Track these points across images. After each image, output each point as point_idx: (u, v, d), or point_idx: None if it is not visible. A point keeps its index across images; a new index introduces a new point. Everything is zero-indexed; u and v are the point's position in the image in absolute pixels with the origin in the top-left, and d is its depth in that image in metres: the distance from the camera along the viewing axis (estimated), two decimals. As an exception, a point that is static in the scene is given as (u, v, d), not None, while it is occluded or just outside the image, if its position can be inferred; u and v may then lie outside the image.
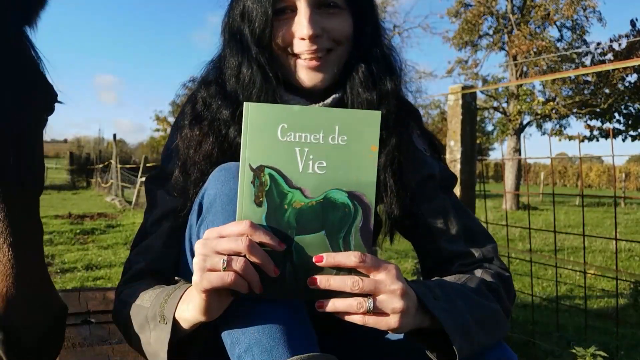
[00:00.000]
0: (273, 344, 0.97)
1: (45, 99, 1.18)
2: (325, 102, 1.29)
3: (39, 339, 0.99)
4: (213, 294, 0.94)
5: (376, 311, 0.94)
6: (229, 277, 0.90)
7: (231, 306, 1.01)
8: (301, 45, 1.24)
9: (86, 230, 8.85)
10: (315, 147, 0.96)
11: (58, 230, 8.66)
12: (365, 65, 1.28)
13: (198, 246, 0.94)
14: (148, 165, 15.83)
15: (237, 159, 1.01)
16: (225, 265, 0.90)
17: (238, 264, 0.91)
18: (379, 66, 1.29)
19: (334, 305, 0.95)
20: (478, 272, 1.22)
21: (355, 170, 0.96)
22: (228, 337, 1.02)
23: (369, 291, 0.94)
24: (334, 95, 1.29)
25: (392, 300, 0.93)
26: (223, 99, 1.27)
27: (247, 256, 0.92)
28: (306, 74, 1.26)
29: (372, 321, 0.94)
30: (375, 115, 0.97)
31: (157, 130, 41.27)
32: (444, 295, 1.06)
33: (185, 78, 1.43)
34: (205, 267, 0.92)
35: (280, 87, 1.29)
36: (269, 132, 0.96)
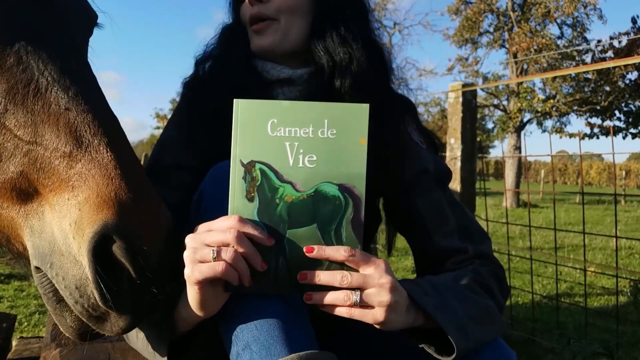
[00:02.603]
0: (271, 341, 0.97)
1: (87, 20, 1.10)
2: (295, 71, 1.33)
3: (161, 243, 0.89)
4: (207, 287, 0.95)
5: (362, 304, 0.95)
6: (219, 266, 0.91)
7: (229, 304, 1.01)
8: (247, 10, 1.33)
9: (86, 228, 8.85)
10: (305, 141, 0.97)
11: (58, 227, 8.66)
12: (325, 38, 1.30)
13: (188, 240, 0.95)
14: (148, 163, 15.79)
15: (225, 150, 1.02)
16: (215, 255, 0.92)
17: (227, 253, 0.92)
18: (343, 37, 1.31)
19: (321, 297, 0.96)
20: (470, 269, 1.21)
21: (345, 162, 0.98)
22: (226, 334, 1.02)
23: (358, 285, 0.95)
24: (302, 70, 1.33)
25: (379, 293, 0.94)
26: (211, 86, 1.32)
27: (235, 248, 0.93)
28: (252, 38, 1.34)
29: (357, 313, 0.95)
30: (363, 108, 0.98)
31: (158, 128, 41.26)
32: (435, 291, 1.06)
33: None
34: (196, 259, 0.93)
35: (255, 59, 1.36)
36: (258, 128, 0.97)
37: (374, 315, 0.95)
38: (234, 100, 0.98)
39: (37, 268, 0.93)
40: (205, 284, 0.94)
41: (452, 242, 1.27)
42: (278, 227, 0.98)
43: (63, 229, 0.87)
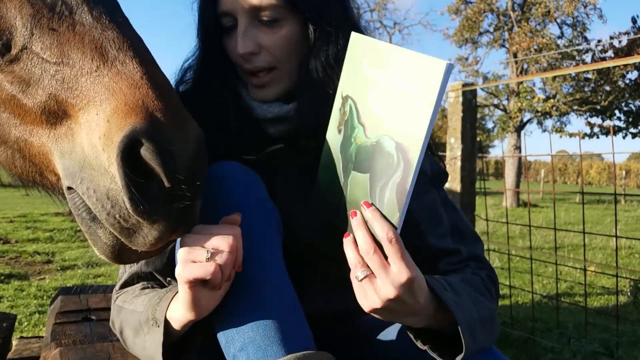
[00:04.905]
0: (268, 342, 0.97)
1: None
2: (282, 108, 1.25)
3: (191, 149, 0.87)
4: (197, 287, 0.95)
5: (364, 286, 0.95)
6: (211, 266, 0.91)
7: (225, 305, 1.01)
8: (240, 62, 1.21)
9: (87, 228, 8.85)
10: (384, 87, 0.93)
11: (58, 227, 8.66)
12: (317, 70, 1.21)
13: (184, 239, 0.96)
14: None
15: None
16: (208, 256, 0.92)
17: (222, 257, 0.92)
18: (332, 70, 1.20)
19: (345, 248, 0.98)
20: (471, 272, 1.21)
21: (408, 121, 0.89)
22: (223, 336, 1.02)
23: (374, 269, 0.93)
24: (288, 106, 1.25)
25: (386, 289, 0.93)
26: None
27: (229, 254, 0.93)
28: (252, 90, 1.24)
29: (357, 287, 0.97)
30: (440, 66, 0.84)
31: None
32: (452, 289, 1.05)
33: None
34: (189, 258, 0.93)
35: (244, 90, 1.27)
36: (357, 64, 0.98)
37: (370, 302, 0.95)
38: (352, 33, 1.01)
39: (69, 189, 0.93)
40: (196, 284, 0.95)
41: (446, 242, 1.26)
42: (347, 165, 0.99)
43: (93, 144, 0.87)
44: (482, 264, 1.26)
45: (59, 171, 0.94)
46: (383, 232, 0.92)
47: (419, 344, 1.08)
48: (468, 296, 1.08)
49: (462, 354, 1.00)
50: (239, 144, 1.22)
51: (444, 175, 1.36)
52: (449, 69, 0.83)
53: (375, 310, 0.96)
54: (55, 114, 0.91)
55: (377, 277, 0.93)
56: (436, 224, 1.27)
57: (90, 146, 0.87)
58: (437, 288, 1.01)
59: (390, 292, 0.92)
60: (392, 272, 0.92)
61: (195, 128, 0.91)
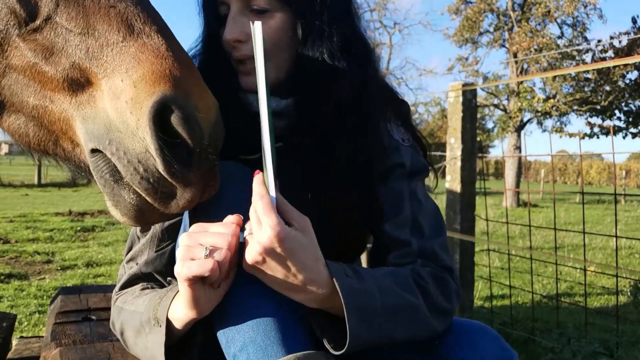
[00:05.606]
0: (268, 342, 0.97)
1: None
2: (280, 103, 1.24)
3: (214, 114, 0.93)
4: (197, 285, 0.95)
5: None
6: (209, 263, 0.92)
7: (225, 305, 1.01)
8: (229, 49, 1.23)
9: (87, 228, 8.85)
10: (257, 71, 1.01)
11: (59, 227, 8.66)
12: (310, 70, 1.22)
13: (182, 238, 0.96)
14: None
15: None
16: (207, 253, 0.93)
17: (220, 254, 0.92)
18: (328, 68, 1.22)
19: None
20: (410, 268, 1.17)
21: (258, 85, 1.00)
22: (223, 336, 1.02)
23: (252, 226, 0.95)
24: (286, 101, 1.24)
25: (251, 249, 0.94)
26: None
27: (227, 251, 0.93)
28: (240, 78, 1.25)
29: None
30: (253, 28, 0.99)
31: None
32: (356, 276, 1.04)
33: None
34: (188, 256, 0.94)
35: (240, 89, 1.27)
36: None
37: (245, 260, 0.95)
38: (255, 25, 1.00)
39: (92, 152, 0.95)
40: (196, 282, 0.95)
41: (400, 233, 1.24)
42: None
43: (119, 108, 0.90)
44: (430, 262, 1.22)
45: (81, 136, 0.97)
46: (254, 192, 0.95)
47: (317, 332, 1.06)
48: (376, 285, 1.05)
49: (348, 341, 0.98)
50: (238, 143, 1.22)
51: (423, 170, 1.32)
52: (258, 26, 0.98)
53: (251, 270, 0.96)
54: (77, 81, 0.95)
55: (253, 234, 0.94)
56: (395, 212, 1.25)
57: (114, 110, 0.90)
58: (334, 270, 0.99)
59: (254, 249, 0.93)
60: (261, 229, 0.92)
61: (213, 98, 0.96)
